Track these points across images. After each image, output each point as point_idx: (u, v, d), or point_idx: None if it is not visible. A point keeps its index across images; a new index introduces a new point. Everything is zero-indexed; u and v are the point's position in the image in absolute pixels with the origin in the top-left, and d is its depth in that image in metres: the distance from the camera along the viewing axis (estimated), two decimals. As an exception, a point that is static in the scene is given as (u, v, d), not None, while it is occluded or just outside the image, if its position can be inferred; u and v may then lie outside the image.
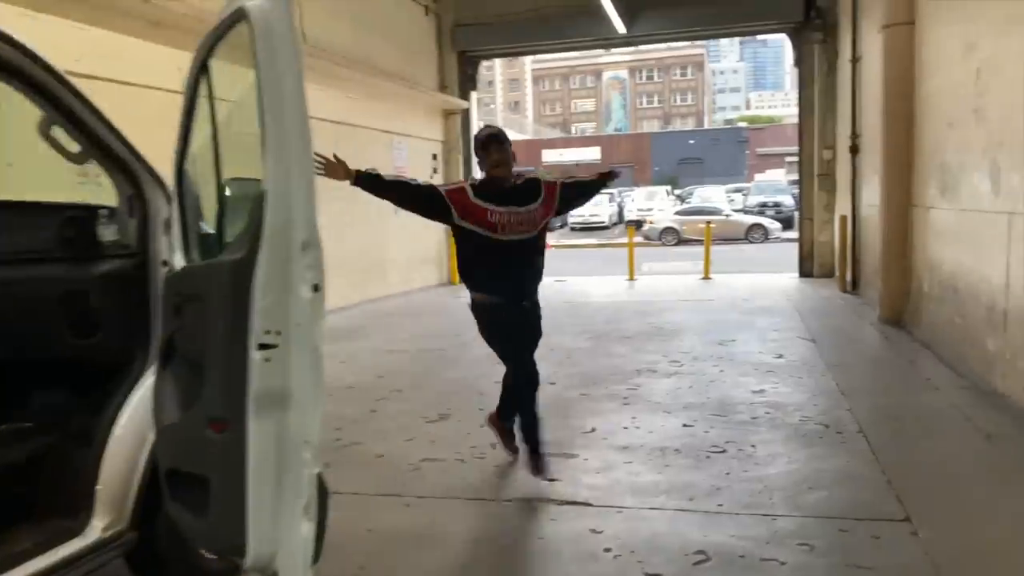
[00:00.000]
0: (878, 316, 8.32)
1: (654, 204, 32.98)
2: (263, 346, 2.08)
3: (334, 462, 4.45)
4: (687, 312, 9.92)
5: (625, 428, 4.97)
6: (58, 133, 2.63)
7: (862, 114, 10.52)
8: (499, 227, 3.70)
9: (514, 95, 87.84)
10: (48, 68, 2.45)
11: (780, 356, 6.95)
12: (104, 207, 2.79)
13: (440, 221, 3.79)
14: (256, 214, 2.07)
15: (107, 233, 2.76)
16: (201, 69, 2.42)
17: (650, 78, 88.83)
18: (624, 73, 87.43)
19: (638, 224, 29.07)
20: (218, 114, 2.44)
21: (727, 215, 27.04)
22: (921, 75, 7.57)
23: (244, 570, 2.10)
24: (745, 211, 30.68)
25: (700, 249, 15.12)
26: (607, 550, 3.27)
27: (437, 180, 14.69)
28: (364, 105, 11.85)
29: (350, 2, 11.57)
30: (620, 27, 13.65)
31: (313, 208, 2.09)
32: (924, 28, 7.48)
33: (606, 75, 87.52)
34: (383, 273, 12.57)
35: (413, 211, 3.80)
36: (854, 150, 10.94)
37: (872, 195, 9.28)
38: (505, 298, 3.81)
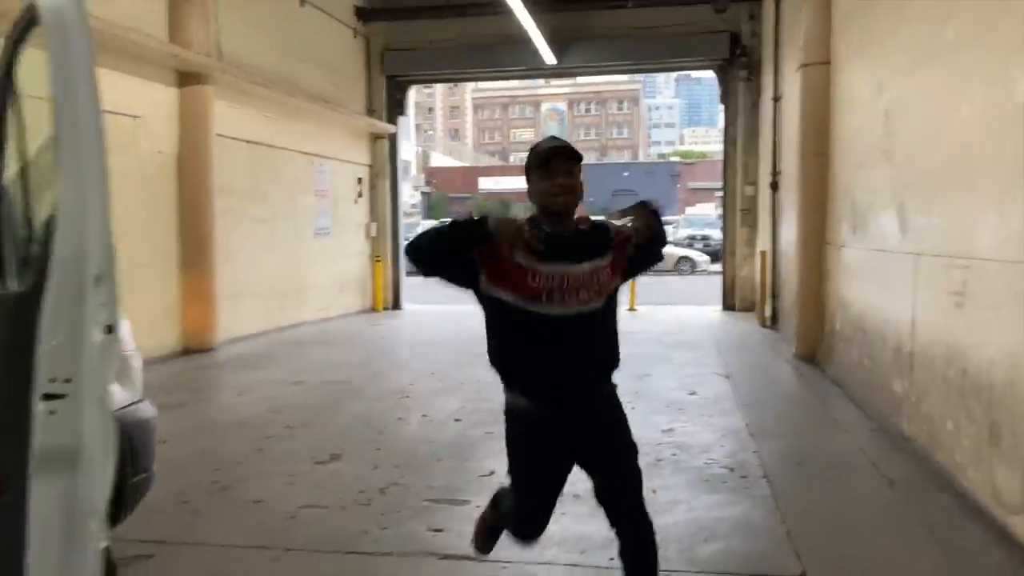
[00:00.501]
0: (794, 353, 8.31)
1: (587, 234, 33.08)
2: (48, 396, 1.77)
3: (204, 509, 4.09)
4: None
5: (525, 471, 4.72)
6: None
7: (782, 152, 10.65)
8: (543, 294, 2.41)
9: (454, 122, 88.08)
10: None
11: (694, 393, 6.83)
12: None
13: (464, 288, 2.53)
14: (45, 240, 1.77)
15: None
16: (7, 74, 2.11)
17: (588, 110, 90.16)
18: (562, 105, 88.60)
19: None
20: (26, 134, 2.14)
21: (657, 247, 27.26)
22: (835, 114, 7.64)
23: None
24: (674, 243, 31.10)
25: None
26: (483, 613, 3.01)
27: (361, 206, 14.39)
28: (285, 126, 11.50)
29: (274, 20, 11.26)
30: (550, 58, 13.65)
31: (110, 234, 1.80)
32: (839, 68, 7.56)
33: (545, 106, 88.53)
34: (300, 299, 12.14)
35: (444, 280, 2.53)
36: (774, 187, 11.05)
37: (790, 231, 9.34)
38: (542, 404, 2.49)
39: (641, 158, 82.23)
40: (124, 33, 7.71)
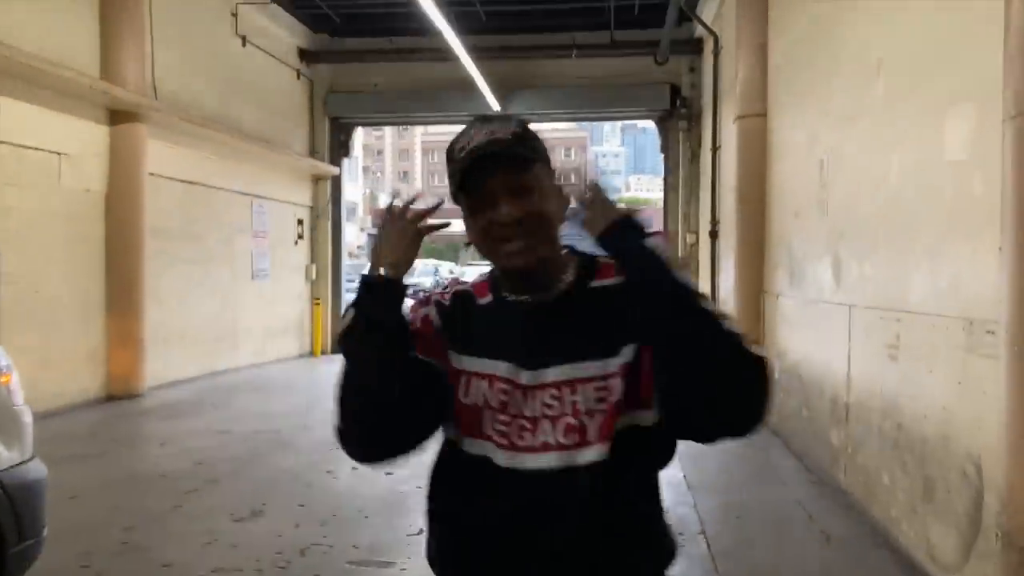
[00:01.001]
0: (734, 401, 8.29)
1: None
2: None
3: (108, 571, 3.80)
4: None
5: (457, 528, 4.53)
6: None
7: (721, 201, 10.79)
8: (481, 412, 1.28)
9: (404, 165, 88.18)
10: None
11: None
12: None
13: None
14: None
15: None
16: None
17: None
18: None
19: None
20: None
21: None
22: (772, 164, 7.75)
23: None
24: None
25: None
26: None
27: (302, 247, 14.16)
28: (223, 166, 11.25)
29: (215, 60, 11.08)
30: (494, 104, 13.70)
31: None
32: (774, 119, 7.69)
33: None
34: (234, 343, 11.77)
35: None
36: (713, 235, 11.17)
37: (729, 280, 9.40)
38: None
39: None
40: (52, 69, 7.46)
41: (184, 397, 8.97)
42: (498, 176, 1.24)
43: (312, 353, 13.99)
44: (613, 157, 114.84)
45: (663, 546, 1.34)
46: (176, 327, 9.89)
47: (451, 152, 1.28)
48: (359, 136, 15.01)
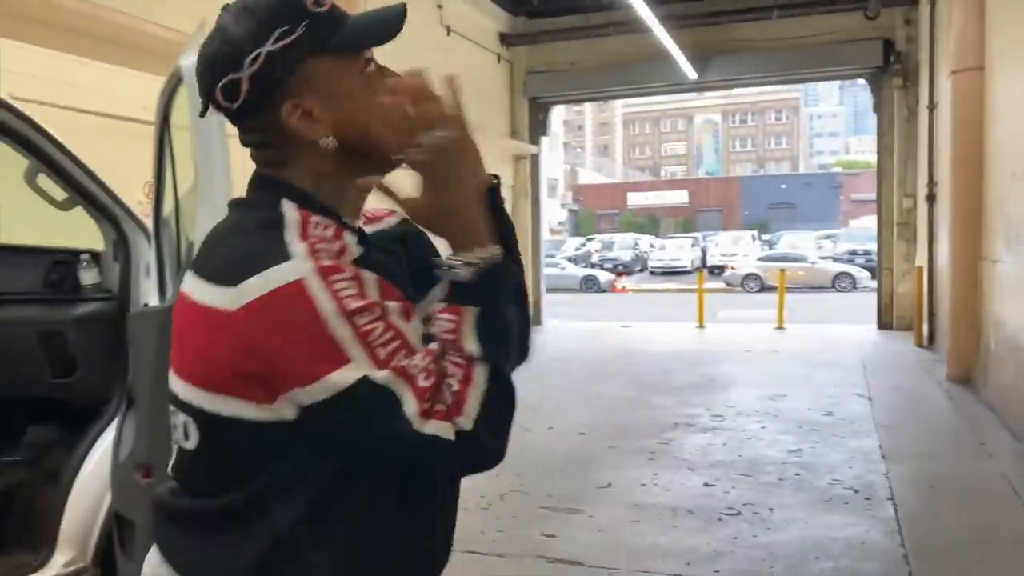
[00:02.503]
0: (946, 374, 7.84)
1: (739, 249, 32.25)
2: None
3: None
4: (747, 363, 9.60)
5: (643, 485, 4.81)
6: (45, 182, 2.78)
7: (938, 162, 10.07)
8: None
9: (604, 138, 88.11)
10: (26, 118, 2.59)
11: (829, 414, 6.62)
12: (87, 251, 2.91)
13: None
14: (186, 263, 2.11)
15: (88, 276, 2.88)
16: (164, 122, 2.51)
17: (743, 121, 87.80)
18: (716, 116, 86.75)
19: (720, 269, 28.63)
20: (177, 177, 2.53)
21: (813, 262, 26.22)
22: (989, 122, 7.20)
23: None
24: (834, 258, 29.74)
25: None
26: (583, 614, 3.15)
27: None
28: (431, 150, 12.08)
29: (420, 51, 11.86)
30: (690, 73, 13.56)
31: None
32: (993, 74, 7.13)
33: (698, 118, 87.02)
34: (445, 315, 12.68)
35: None
36: (931, 199, 10.47)
37: (946, 246, 8.83)
38: None
39: (802, 169, 79.17)
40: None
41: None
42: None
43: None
44: (830, 118, 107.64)
45: None
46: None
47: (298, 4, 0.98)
48: (558, 114, 15.47)
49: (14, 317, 2.86)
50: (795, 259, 26.12)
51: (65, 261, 2.91)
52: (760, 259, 27.20)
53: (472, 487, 4.54)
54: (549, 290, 16.04)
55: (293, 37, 0.96)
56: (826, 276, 25.26)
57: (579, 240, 40.97)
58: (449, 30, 12.51)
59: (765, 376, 8.65)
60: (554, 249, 32.74)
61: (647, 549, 3.80)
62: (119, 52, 6.84)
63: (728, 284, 25.63)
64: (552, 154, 43.51)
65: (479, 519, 4.26)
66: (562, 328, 14.55)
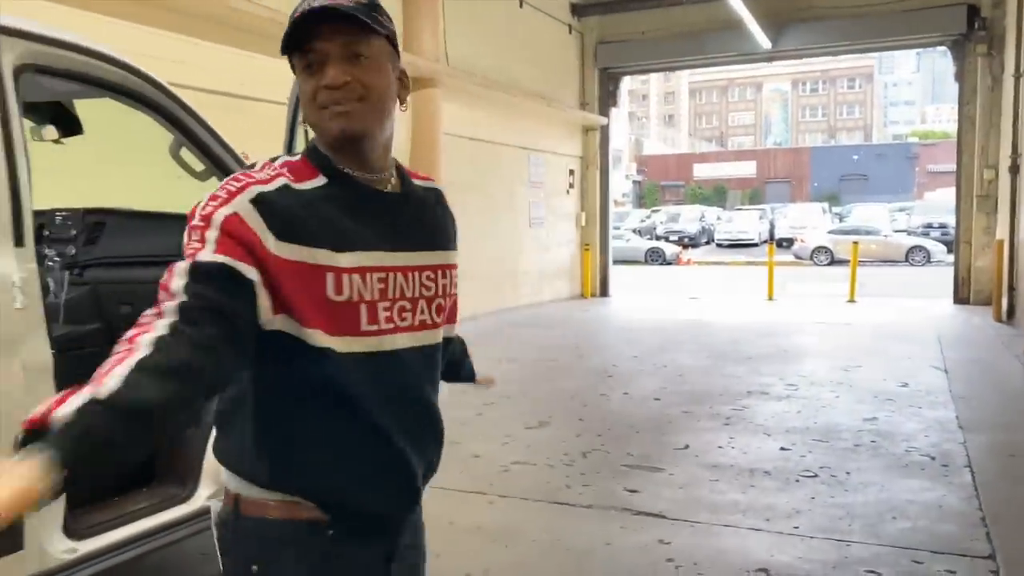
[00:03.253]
0: (1026, 348, 7.77)
1: (808, 222, 31.65)
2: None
3: (433, 459, 4.75)
4: (819, 336, 9.61)
5: (719, 447, 4.98)
6: (186, 155, 3.07)
7: (1023, 132, 9.82)
8: (369, 311, 1.23)
9: (669, 108, 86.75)
10: (173, 97, 2.88)
11: (905, 385, 6.65)
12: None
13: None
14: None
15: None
16: (296, 108, 2.76)
17: (814, 90, 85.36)
18: (786, 85, 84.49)
19: (789, 242, 28.19)
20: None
21: (886, 235, 25.63)
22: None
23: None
24: (908, 232, 28.99)
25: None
26: (669, 560, 3.36)
27: (572, 197, 14.96)
28: (503, 123, 12.29)
29: (494, 24, 12.05)
30: (764, 42, 13.40)
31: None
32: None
33: (767, 87, 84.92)
34: (515, 285, 12.94)
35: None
36: (1014, 170, 10.22)
37: (1028, 218, 8.66)
38: (350, 522, 1.28)
39: (875, 139, 76.77)
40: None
41: (475, 330, 10.15)
42: (335, 40, 1.18)
43: (582, 295, 14.85)
44: (906, 86, 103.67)
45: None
46: (467, 269, 11.09)
47: (293, 13, 1.20)
48: (627, 85, 15.45)
49: (159, 276, 3.17)
50: (867, 232, 25.54)
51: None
52: (831, 232, 26.66)
53: (555, 444, 4.78)
54: (614, 262, 16.14)
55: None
56: (899, 250, 24.68)
57: (643, 212, 40.72)
58: (522, 2, 12.61)
59: (838, 348, 8.67)
60: (618, 221, 32.66)
61: (727, 506, 3.98)
62: (221, 32, 7.20)
63: (797, 257, 25.27)
64: (617, 125, 43.26)
65: (564, 474, 4.51)
66: (629, 299, 14.67)
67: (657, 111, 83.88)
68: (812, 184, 52.89)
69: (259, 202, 1.16)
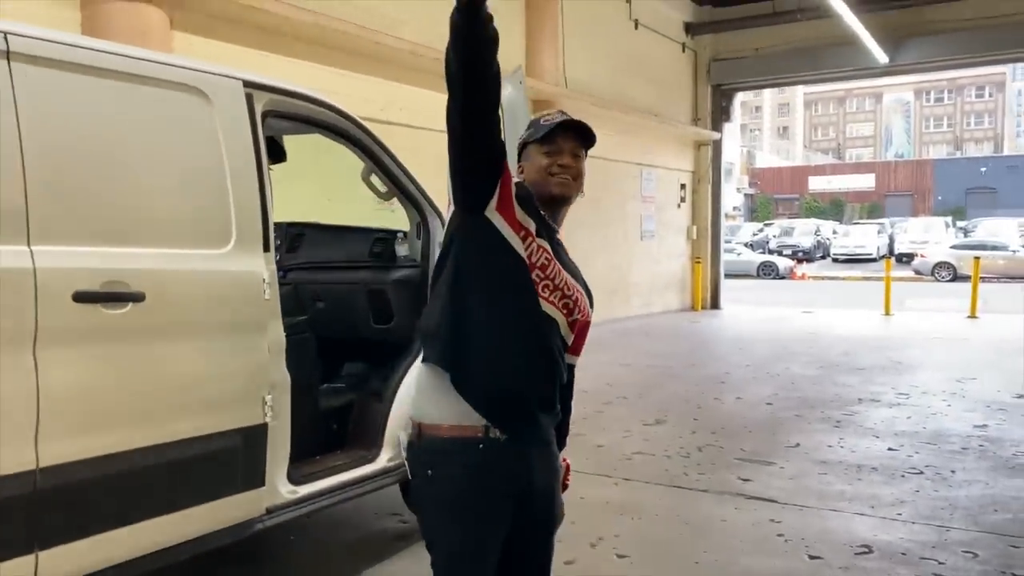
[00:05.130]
0: None
1: (930, 236, 30.56)
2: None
3: (561, 447, 5.29)
4: (935, 349, 9.62)
5: (829, 446, 5.31)
6: (373, 179, 3.74)
7: None
8: (542, 279, 1.87)
9: (783, 120, 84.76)
10: (368, 132, 3.54)
11: (1020, 396, 6.73)
12: (400, 231, 3.87)
13: (467, 199, 1.82)
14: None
15: (401, 250, 3.83)
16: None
17: (939, 100, 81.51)
18: (908, 95, 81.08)
19: (909, 257, 27.32)
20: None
21: (1014, 251, 24.55)
22: None
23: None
24: (1036, 246, 27.60)
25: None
26: (779, 535, 3.78)
27: (684, 211, 15.28)
28: (617, 140, 12.77)
29: (609, 45, 12.58)
30: (881, 57, 13.38)
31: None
32: None
33: (887, 97, 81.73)
34: (626, 296, 13.37)
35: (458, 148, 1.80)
36: None
37: None
38: (505, 426, 1.81)
39: (1006, 151, 72.76)
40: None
41: (588, 338, 10.64)
42: (571, 139, 1.93)
43: (693, 307, 15.11)
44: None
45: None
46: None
47: (536, 120, 1.97)
48: (740, 100, 15.62)
49: (350, 279, 3.87)
50: (994, 247, 24.57)
51: (384, 238, 3.88)
52: (953, 247, 25.74)
53: (672, 439, 5.25)
54: (725, 276, 16.30)
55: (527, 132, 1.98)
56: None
57: (755, 225, 40.17)
58: (637, 23, 13.11)
59: (953, 360, 8.70)
60: (730, 234, 32.45)
61: (834, 494, 4.34)
62: (359, 61, 8.02)
63: (917, 273, 24.54)
64: (728, 138, 42.84)
65: (681, 464, 4.96)
66: (741, 312, 14.82)
67: (771, 123, 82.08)
68: (936, 197, 50.71)
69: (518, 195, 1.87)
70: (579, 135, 1.94)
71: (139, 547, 2.56)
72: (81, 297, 2.36)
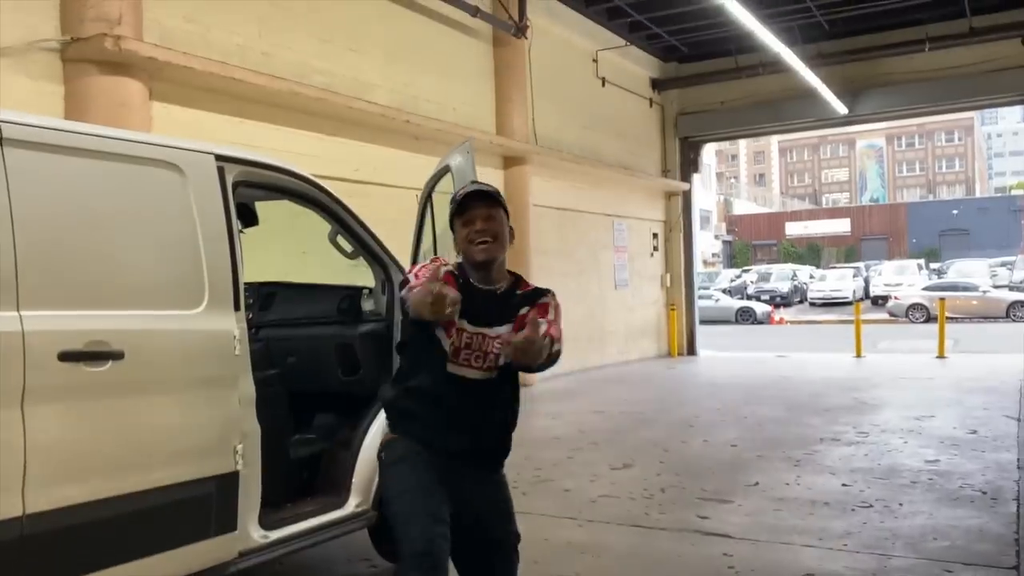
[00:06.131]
0: (1106, 398, 7.93)
1: (903, 279, 31.18)
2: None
3: (530, 492, 5.48)
4: (899, 389, 9.91)
5: (786, 484, 5.53)
6: (340, 240, 4.01)
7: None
8: (457, 352, 2.36)
9: (759, 167, 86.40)
10: (333, 197, 3.82)
11: (974, 432, 7.00)
12: (366, 288, 4.12)
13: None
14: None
15: (367, 305, 4.09)
16: (427, 198, 3.66)
17: (910, 145, 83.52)
18: (880, 141, 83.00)
19: (884, 300, 27.83)
20: (436, 228, 3.66)
21: (984, 291, 25.12)
22: None
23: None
24: (1010, 287, 28.27)
25: (949, 327, 14.51)
26: (731, 567, 3.98)
27: (657, 259, 15.66)
28: (589, 192, 13.19)
29: (577, 103, 13.06)
30: (840, 108, 13.96)
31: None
32: None
33: (860, 143, 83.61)
34: (602, 344, 13.63)
35: None
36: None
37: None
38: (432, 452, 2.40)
39: (978, 192, 74.41)
40: (465, 132, 9.78)
41: (564, 386, 10.87)
42: (481, 205, 2.30)
43: (669, 353, 15.38)
44: (1011, 136, 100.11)
45: (507, 437, 2.54)
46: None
47: (454, 196, 2.40)
48: (709, 148, 16.20)
49: (318, 334, 4.11)
50: (965, 288, 25.18)
51: (351, 295, 4.13)
52: (926, 288, 26.30)
53: (637, 482, 5.48)
54: (703, 322, 16.61)
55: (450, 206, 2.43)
56: (999, 305, 24.17)
57: (734, 271, 40.76)
58: (604, 81, 13.62)
59: (916, 400, 8.98)
60: (708, 281, 32.94)
61: (786, 528, 4.55)
62: (333, 125, 8.36)
63: (892, 315, 25.01)
64: (705, 185, 43.79)
65: (643, 505, 5.16)
66: (716, 357, 15.11)
67: (748, 170, 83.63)
68: (910, 240, 51.73)
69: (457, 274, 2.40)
70: (487, 199, 2.31)
71: (119, 589, 2.74)
72: (66, 356, 2.58)
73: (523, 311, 2.34)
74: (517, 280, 2.46)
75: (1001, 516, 4.60)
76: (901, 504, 4.92)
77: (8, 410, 2.44)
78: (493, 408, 2.43)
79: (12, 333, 2.47)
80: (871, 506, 4.91)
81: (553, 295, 2.47)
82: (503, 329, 2.34)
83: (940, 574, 3.78)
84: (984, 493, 5.08)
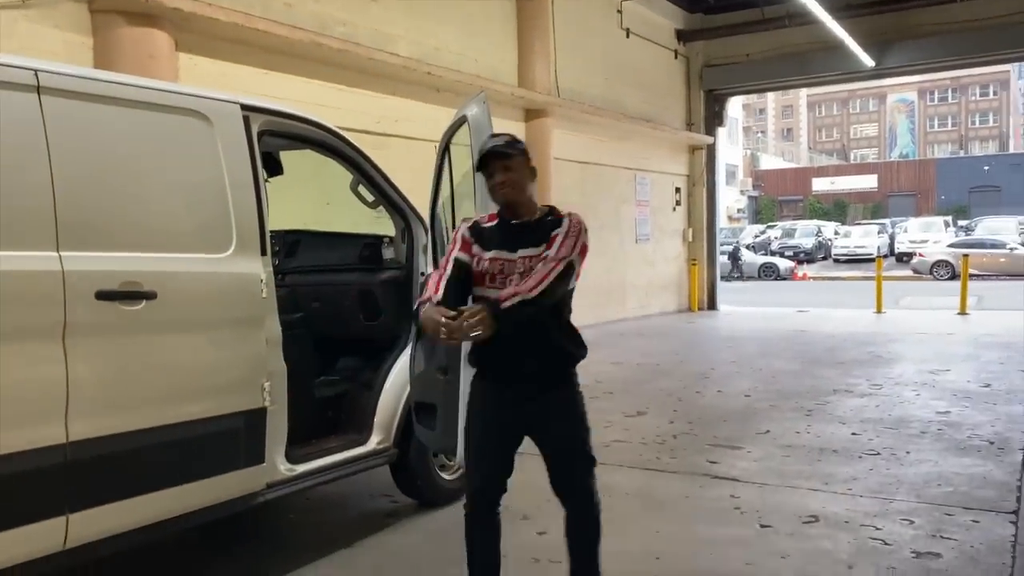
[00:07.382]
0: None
1: (929, 236, 30.79)
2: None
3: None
4: (917, 344, 9.94)
5: (796, 432, 5.66)
6: (361, 189, 4.12)
7: None
8: (485, 277, 2.68)
9: (787, 122, 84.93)
10: (355, 147, 3.92)
11: (987, 385, 7.06)
12: (387, 236, 4.25)
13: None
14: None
15: (388, 253, 4.22)
16: (445, 150, 3.75)
17: (943, 99, 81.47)
18: (912, 95, 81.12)
19: (909, 256, 27.56)
20: (454, 178, 3.75)
21: (1012, 248, 24.77)
22: None
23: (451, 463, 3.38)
24: (1037, 245, 27.81)
25: (974, 284, 14.41)
26: (736, 508, 4.13)
27: (679, 214, 15.64)
28: (611, 146, 13.16)
29: (601, 54, 12.96)
30: (867, 61, 13.72)
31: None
32: None
33: (891, 97, 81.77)
34: (623, 298, 13.73)
35: None
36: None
37: None
38: (491, 381, 2.78)
39: (1011, 149, 72.77)
40: (487, 84, 9.78)
41: (584, 338, 10.99)
42: (497, 159, 2.66)
43: (689, 308, 15.45)
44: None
45: (563, 346, 2.86)
46: (579, 284, 12.02)
47: (481, 148, 2.74)
48: (735, 101, 16.00)
49: (341, 280, 4.26)
50: (992, 245, 24.84)
51: (372, 243, 4.26)
52: (951, 245, 25.96)
53: (650, 429, 5.63)
54: (723, 278, 16.60)
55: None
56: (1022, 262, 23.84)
57: (759, 227, 40.46)
58: (628, 32, 13.48)
59: (932, 354, 9.03)
60: (733, 236, 32.76)
61: (793, 473, 4.69)
62: (355, 77, 8.41)
63: (916, 272, 24.79)
64: (731, 140, 43.20)
65: (655, 449, 5.31)
66: (736, 312, 15.15)
67: (775, 125, 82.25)
68: (939, 197, 50.85)
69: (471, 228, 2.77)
70: (502, 154, 2.67)
71: (156, 513, 2.94)
72: (102, 295, 2.74)
73: (554, 232, 2.66)
74: (551, 210, 2.79)
75: (1006, 465, 4.70)
76: (908, 452, 5.03)
77: (51, 344, 2.61)
78: (533, 330, 2.66)
79: (53, 272, 2.62)
80: (878, 454, 5.02)
81: (573, 215, 2.73)
82: (528, 252, 2.66)
83: (940, 517, 3.90)
84: (991, 443, 5.17)
